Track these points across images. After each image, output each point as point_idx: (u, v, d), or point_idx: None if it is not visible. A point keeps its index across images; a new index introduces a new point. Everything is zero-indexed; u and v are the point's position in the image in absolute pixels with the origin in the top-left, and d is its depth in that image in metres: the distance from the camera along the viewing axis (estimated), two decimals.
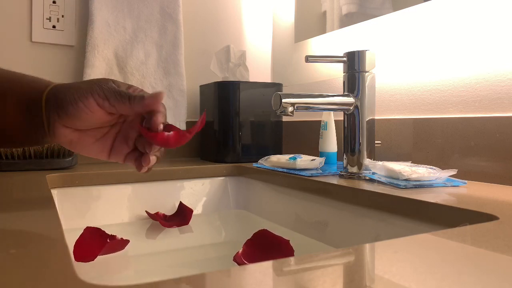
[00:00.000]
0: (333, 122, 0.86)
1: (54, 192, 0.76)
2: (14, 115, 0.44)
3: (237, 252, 0.54)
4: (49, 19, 0.99)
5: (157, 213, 0.81)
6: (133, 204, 0.83)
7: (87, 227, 0.59)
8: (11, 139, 0.46)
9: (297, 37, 1.13)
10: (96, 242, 0.58)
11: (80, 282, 0.23)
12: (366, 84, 0.70)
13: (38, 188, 0.59)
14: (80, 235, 0.57)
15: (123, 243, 0.61)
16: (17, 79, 0.46)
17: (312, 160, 0.77)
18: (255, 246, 0.54)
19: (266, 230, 0.54)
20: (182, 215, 0.81)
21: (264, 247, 0.53)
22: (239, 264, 0.51)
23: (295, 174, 0.74)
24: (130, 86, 0.46)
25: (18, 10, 0.97)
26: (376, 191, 0.56)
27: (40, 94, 0.44)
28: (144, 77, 1.04)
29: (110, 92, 0.43)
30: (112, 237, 0.59)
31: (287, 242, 0.53)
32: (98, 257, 0.58)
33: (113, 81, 0.45)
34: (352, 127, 0.71)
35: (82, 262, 0.55)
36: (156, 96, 0.43)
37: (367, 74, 0.70)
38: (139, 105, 0.43)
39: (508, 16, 0.62)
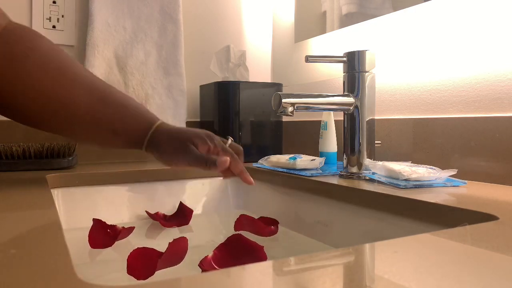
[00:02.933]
0: (333, 122, 0.86)
1: (54, 192, 0.76)
2: (121, 145, 0.60)
3: (206, 257, 0.51)
4: (49, 19, 0.99)
5: (157, 213, 0.81)
6: (133, 204, 0.83)
7: (94, 219, 0.64)
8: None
9: (297, 37, 1.13)
10: (106, 231, 0.64)
11: (80, 282, 0.23)
12: (366, 84, 0.70)
13: (38, 188, 0.59)
14: (92, 225, 0.63)
15: (129, 230, 0.67)
16: (128, 116, 0.59)
17: (312, 160, 0.77)
18: (227, 251, 0.52)
19: (240, 234, 0.53)
20: (182, 215, 0.81)
21: (236, 252, 0.51)
22: (203, 270, 0.48)
23: (295, 174, 0.74)
24: (209, 147, 0.60)
25: (18, 10, 0.97)
26: (376, 191, 0.56)
27: (145, 133, 0.59)
28: (144, 77, 1.04)
29: (192, 157, 0.57)
30: (113, 227, 0.65)
31: (261, 248, 0.51)
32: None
33: (201, 142, 0.59)
34: (352, 127, 0.71)
35: (99, 248, 0.61)
36: (224, 163, 0.57)
37: (367, 74, 0.70)
38: (212, 169, 0.56)
39: (508, 16, 0.62)
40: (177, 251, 0.51)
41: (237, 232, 0.53)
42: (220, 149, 0.61)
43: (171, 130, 0.60)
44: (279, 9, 1.22)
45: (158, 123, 0.60)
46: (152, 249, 0.50)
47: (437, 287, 0.22)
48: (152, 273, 0.48)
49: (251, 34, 1.25)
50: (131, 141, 0.59)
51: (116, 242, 0.63)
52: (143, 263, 0.48)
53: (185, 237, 0.52)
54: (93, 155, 1.02)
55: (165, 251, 0.49)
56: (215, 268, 0.49)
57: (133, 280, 0.47)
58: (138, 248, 0.50)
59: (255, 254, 0.50)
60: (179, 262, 0.52)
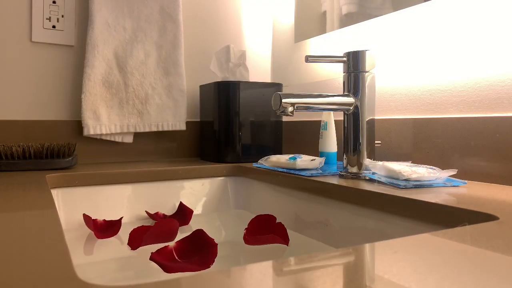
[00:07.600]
0: (333, 122, 0.86)
1: (54, 192, 0.76)
2: None
3: (166, 246, 0.53)
4: (49, 19, 0.99)
5: (157, 213, 0.81)
6: (133, 204, 0.83)
7: (84, 214, 0.70)
8: None
9: (297, 37, 1.13)
10: (107, 224, 0.70)
11: (80, 282, 0.23)
12: (366, 84, 0.70)
13: (38, 188, 0.59)
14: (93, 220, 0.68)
15: (119, 220, 0.71)
16: None
17: (312, 160, 0.77)
18: (188, 243, 0.55)
19: (202, 230, 0.55)
20: (182, 215, 0.81)
21: (196, 245, 0.55)
22: (153, 258, 0.51)
23: (295, 174, 0.74)
24: None
25: (18, 10, 0.96)
26: (376, 191, 0.56)
27: None
28: (144, 77, 1.04)
29: None
30: (95, 220, 0.69)
31: (215, 245, 0.54)
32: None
33: None
34: (352, 127, 0.71)
35: (105, 238, 0.66)
36: None
37: (367, 74, 0.70)
38: None
39: (508, 16, 0.62)
40: (164, 229, 0.61)
41: (199, 228, 0.57)
42: None
43: None
44: (279, 9, 1.22)
45: None
46: (151, 227, 0.60)
47: (437, 287, 0.22)
48: (138, 246, 0.60)
49: (251, 34, 1.25)
50: None
51: (117, 240, 0.65)
52: (138, 237, 0.60)
53: (175, 219, 0.62)
54: (93, 155, 1.02)
55: (151, 228, 0.58)
56: (174, 258, 0.53)
57: (133, 280, 0.47)
58: (142, 225, 0.60)
59: (209, 250, 0.54)
60: (170, 240, 0.60)
